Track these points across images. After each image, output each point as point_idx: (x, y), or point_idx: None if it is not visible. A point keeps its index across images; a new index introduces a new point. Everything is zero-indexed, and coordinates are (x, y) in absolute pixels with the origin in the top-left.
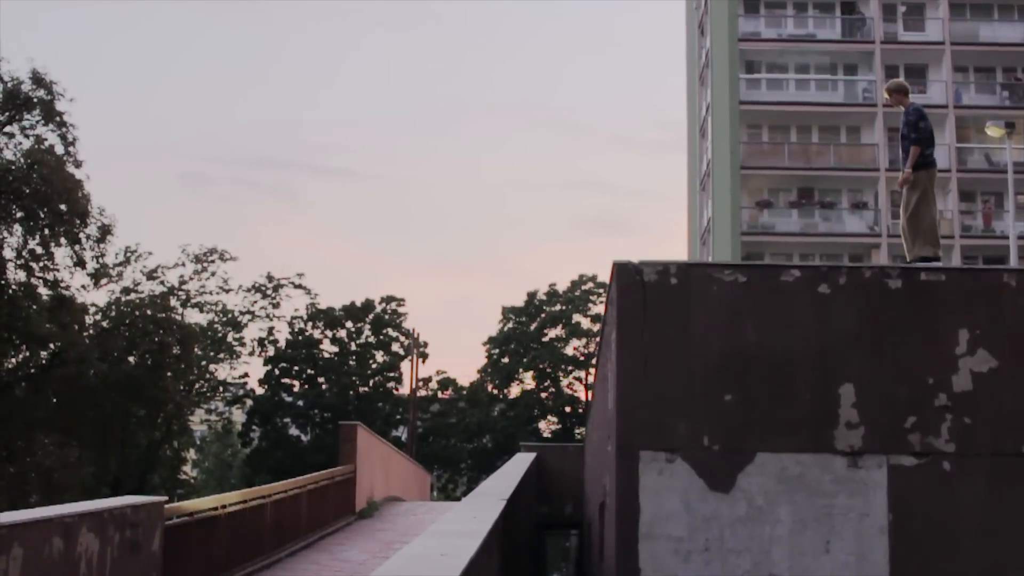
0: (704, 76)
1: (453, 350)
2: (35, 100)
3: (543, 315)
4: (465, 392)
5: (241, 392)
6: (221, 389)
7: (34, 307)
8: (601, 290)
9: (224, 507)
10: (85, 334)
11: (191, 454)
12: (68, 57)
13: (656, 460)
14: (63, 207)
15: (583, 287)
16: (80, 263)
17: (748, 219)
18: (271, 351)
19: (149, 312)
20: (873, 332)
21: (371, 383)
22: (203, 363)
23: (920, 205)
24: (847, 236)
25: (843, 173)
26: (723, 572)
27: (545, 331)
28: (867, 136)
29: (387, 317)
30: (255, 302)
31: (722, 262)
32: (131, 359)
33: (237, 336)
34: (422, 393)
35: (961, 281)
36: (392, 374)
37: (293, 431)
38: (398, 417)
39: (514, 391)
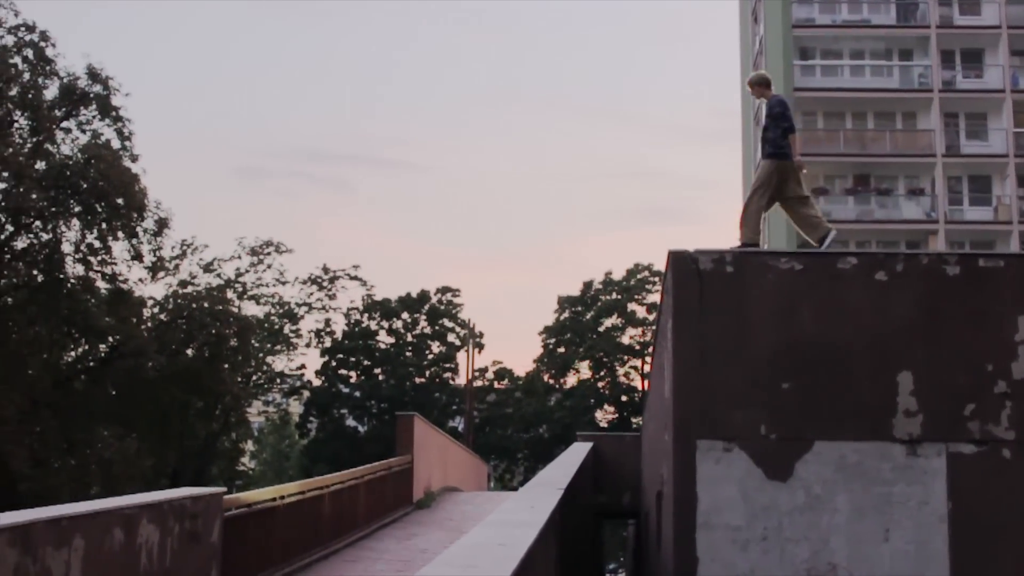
0: (758, 63)
1: (509, 340)
2: (91, 95)
3: (599, 304)
4: (521, 382)
5: (298, 383)
6: (278, 380)
7: (93, 301)
8: (657, 279)
9: (282, 498)
10: (143, 327)
11: (249, 445)
12: (124, 52)
13: (713, 449)
14: (120, 201)
15: (639, 276)
16: (137, 256)
17: None
18: (328, 342)
19: (206, 304)
20: (931, 319)
21: (427, 374)
22: (260, 355)
23: (758, 190)
24: (904, 223)
25: (899, 159)
26: (781, 561)
27: (601, 320)
28: (923, 122)
29: (443, 308)
30: (311, 294)
31: (778, 250)
32: (189, 351)
33: (294, 328)
34: (478, 383)
35: (1020, 267)
36: (448, 364)
37: (350, 422)
38: (454, 407)
39: (570, 381)
